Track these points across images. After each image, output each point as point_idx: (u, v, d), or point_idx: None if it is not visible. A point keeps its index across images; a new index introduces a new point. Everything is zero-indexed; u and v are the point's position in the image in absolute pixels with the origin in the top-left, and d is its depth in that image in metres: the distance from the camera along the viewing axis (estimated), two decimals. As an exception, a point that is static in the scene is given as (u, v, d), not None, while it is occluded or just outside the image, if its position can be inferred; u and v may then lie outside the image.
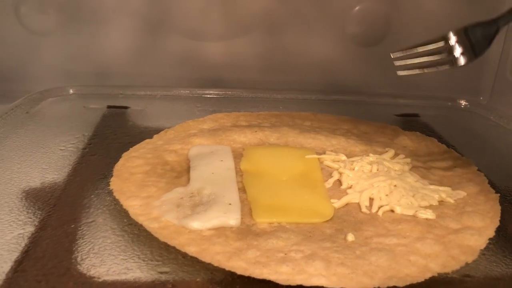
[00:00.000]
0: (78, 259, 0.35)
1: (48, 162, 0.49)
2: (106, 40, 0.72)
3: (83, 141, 0.54)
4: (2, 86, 0.70)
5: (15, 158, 0.50)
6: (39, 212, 0.40)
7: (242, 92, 0.73)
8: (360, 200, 0.43)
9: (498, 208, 0.42)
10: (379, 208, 0.42)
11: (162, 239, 0.36)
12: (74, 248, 0.36)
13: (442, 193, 0.44)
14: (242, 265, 0.33)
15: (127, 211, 0.39)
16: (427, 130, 0.61)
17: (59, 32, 0.71)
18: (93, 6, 0.70)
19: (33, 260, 0.34)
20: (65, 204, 0.42)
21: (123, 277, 0.33)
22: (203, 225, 0.38)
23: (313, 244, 0.36)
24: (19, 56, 0.72)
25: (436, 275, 0.33)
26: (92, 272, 0.33)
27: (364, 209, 0.42)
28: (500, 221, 0.40)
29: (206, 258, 0.34)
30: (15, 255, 0.35)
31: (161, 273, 0.34)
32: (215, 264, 0.33)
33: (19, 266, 0.34)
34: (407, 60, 0.44)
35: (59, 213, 0.40)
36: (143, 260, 0.35)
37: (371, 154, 0.49)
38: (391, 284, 0.32)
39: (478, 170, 0.49)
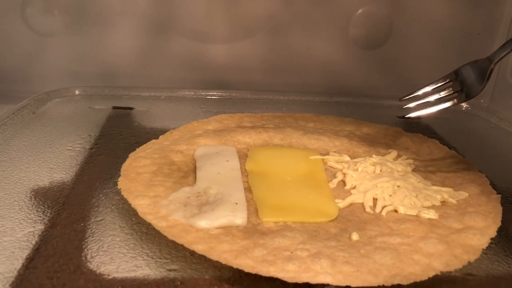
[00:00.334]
0: (88, 256, 0.35)
1: (56, 161, 0.50)
2: (111, 42, 0.73)
3: (90, 141, 0.55)
4: (9, 87, 0.71)
5: (23, 158, 0.50)
6: (49, 210, 0.41)
7: (245, 93, 0.73)
8: (364, 200, 0.43)
9: (499, 208, 0.43)
10: (382, 208, 0.42)
11: (170, 237, 0.36)
12: (83, 246, 0.36)
13: (444, 193, 0.45)
14: (249, 263, 0.34)
15: (136, 210, 0.39)
16: (428, 132, 0.61)
17: (65, 33, 0.72)
18: (99, 8, 0.71)
19: (44, 258, 0.35)
20: (73, 203, 0.42)
21: (132, 274, 0.34)
22: (211, 224, 0.38)
23: (318, 243, 0.37)
24: (25, 57, 0.73)
25: (439, 273, 0.34)
26: (102, 270, 0.34)
27: (368, 209, 0.42)
28: (502, 221, 0.41)
29: (213, 256, 0.34)
30: (26, 252, 0.35)
31: (170, 270, 0.34)
32: (223, 262, 0.34)
33: (30, 263, 0.34)
34: (414, 102, 0.48)
35: (68, 211, 0.41)
36: (152, 258, 0.36)
37: (374, 155, 0.50)
38: (395, 282, 0.33)
39: (480, 171, 0.50)
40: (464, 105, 0.74)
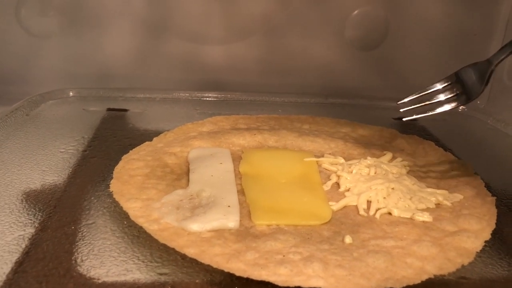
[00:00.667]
0: (78, 260, 0.35)
1: (48, 164, 0.50)
2: (106, 43, 0.73)
3: (83, 143, 0.55)
4: (3, 89, 0.71)
5: (15, 160, 0.50)
6: (40, 213, 0.41)
7: (241, 95, 0.73)
8: (358, 202, 0.43)
9: (494, 211, 0.43)
10: (376, 210, 0.42)
11: (161, 240, 0.36)
12: (74, 250, 0.36)
13: (439, 196, 0.45)
14: (241, 267, 0.34)
15: (127, 213, 0.39)
16: (424, 134, 0.61)
17: (60, 35, 0.72)
18: (94, 9, 0.71)
19: (33, 261, 0.35)
20: (65, 206, 0.42)
21: (122, 278, 0.33)
22: (203, 227, 0.38)
23: (311, 246, 0.36)
24: (20, 59, 0.72)
25: (433, 277, 0.34)
26: (92, 273, 0.34)
27: (362, 212, 0.42)
28: (496, 224, 0.41)
29: (205, 259, 0.34)
30: (15, 256, 0.35)
31: (161, 274, 0.34)
32: (214, 266, 0.34)
33: (20, 267, 0.34)
34: (411, 106, 0.47)
35: (59, 214, 0.41)
36: (143, 262, 0.35)
37: (369, 157, 0.50)
38: (388, 286, 0.32)
39: (475, 173, 0.50)
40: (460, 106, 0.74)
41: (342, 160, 0.50)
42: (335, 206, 0.43)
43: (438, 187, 0.47)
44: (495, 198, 0.44)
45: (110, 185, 0.43)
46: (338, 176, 0.47)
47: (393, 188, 0.44)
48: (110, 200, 0.43)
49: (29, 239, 0.37)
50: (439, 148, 0.55)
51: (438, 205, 0.44)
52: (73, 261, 0.35)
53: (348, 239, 0.37)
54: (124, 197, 0.42)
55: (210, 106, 0.69)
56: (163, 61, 0.74)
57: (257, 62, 0.75)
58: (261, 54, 0.75)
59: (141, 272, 0.34)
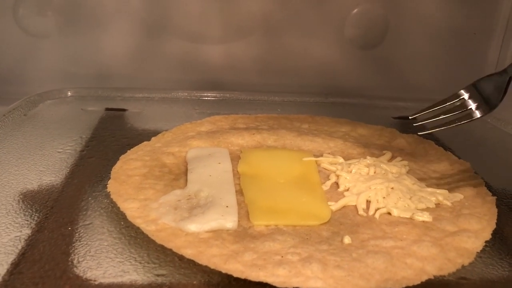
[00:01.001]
0: (75, 261, 0.35)
1: (46, 164, 0.49)
2: (105, 43, 0.73)
3: (81, 143, 0.54)
4: (0, 88, 0.70)
5: (13, 160, 0.50)
6: (36, 214, 0.40)
7: (240, 94, 0.73)
8: (357, 202, 0.43)
9: (494, 210, 0.42)
10: (376, 210, 0.42)
11: (158, 241, 0.36)
12: (71, 251, 0.36)
13: (439, 195, 0.44)
14: (238, 268, 0.33)
15: (124, 213, 0.39)
16: (424, 133, 0.61)
17: (58, 35, 0.72)
18: (92, 9, 0.71)
19: (29, 263, 0.34)
20: (62, 206, 0.42)
21: (119, 279, 0.33)
22: (200, 228, 0.38)
23: (310, 246, 0.36)
24: (17, 58, 0.72)
25: (433, 277, 0.34)
26: (89, 275, 0.33)
27: (361, 212, 0.42)
28: (497, 223, 0.40)
29: (202, 260, 0.34)
30: (11, 257, 0.35)
31: (158, 275, 0.34)
32: (212, 267, 0.33)
33: (16, 268, 0.34)
34: (426, 120, 0.45)
35: (56, 215, 0.40)
36: (140, 263, 0.35)
37: (368, 157, 0.50)
38: (388, 287, 0.32)
39: (475, 172, 0.49)
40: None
41: (341, 160, 0.50)
42: (334, 206, 0.42)
43: (438, 187, 0.46)
44: (495, 197, 0.44)
45: (107, 185, 0.43)
46: (337, 176, 0.47)
47: (392, 188, 0.44)
48: (108, 201, 0.42)
49: (26, 240, 0.37)
50: (439, 148, 0.55)
51: (438, 204, 0.43)
52: (70, 263, 0.35)
53: (347, 240, 0.37)
54: (122, 198, 0.41)
55: (209, 106, 0.69)
56: (161, 60, 0.74)
57: (256, 61, 0.75)
58: (260, 54, 0.75)
59: (138, 273, 0.34)
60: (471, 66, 0.73)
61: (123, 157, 0.49)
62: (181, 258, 0.35)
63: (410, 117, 0.47)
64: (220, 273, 0.33)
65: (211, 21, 0.72)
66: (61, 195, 0.44)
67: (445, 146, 0.56)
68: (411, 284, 0.33)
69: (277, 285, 0.32)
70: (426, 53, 0.74)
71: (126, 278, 0.33)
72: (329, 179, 0.47)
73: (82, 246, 0.36)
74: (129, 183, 0.44)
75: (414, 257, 0.35)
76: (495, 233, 0.39)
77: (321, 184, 0.46)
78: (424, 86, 0.72)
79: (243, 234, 0.38)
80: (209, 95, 0.72)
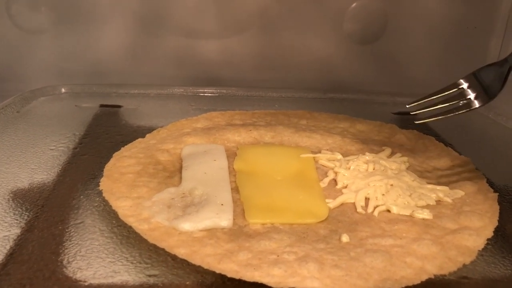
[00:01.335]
0: (64, 261, 0.34)
1: (38, 162, 0.48)
2: (99, 39, 0.72)
3: (74, 140, 0.53)
4: (-6, 85, 0.70)
5: (4, 158, 0.49)
6: (26, 213, 0.39)
7: (237, 90, 0.72)
8: (356, 200, 0.42)
9: (496, 207, 0.41)
10: (375, 208, 0.41)
11: (151, 241, 0.35)
12: (60, 251, 0.35)
13: (439, 192, 0.43)
14: (233, 268, 0.32)
15: (117, 212, 0.38)
16: (424, 129, 0.59)
17: (52, 31, 0.70)
18: (87, 4, 0.70)
19: (18, 263, 0.33)
20: (53, 205, 0.41)
21: (109, 280, 0.32)
22: (195, 226, 0.37)
23: (306, 245, 0.35)
24: (11, 55, 0.71)
25: (433, 277, 0.33)
26: (78, 276, 0.32)
27: (359, 209, 0.41)
28: (499, 221, 0.39)
29: (196, 260, 0.33)
30: (-1, 258, 0.34)
31: (150, 276, 0.33)
32: (205, 267, 0.32)
33: (3, 269, 0.33)
34: (424, 109, 0.44)
35: (47, 214, 0.39)
36: (132, 263, 0.34)
37: (367, 153, 0.49)
38: (386, 287, 0.31)
39: (477, 168, 0.48)
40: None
41: (339, 156, 0.49)
42: (332, 203, 0.41)
43: (438, 183, 0.45)
44: (497, 194, 0.43)
45: (100, 183, 0.42)
46: (336, 173, 0.46)
47: (392, 185, 0.43)
48: (100, 199, 0.41)
49: (14, 240, 0.36)
50: (439, 143, 0.54)
51: (438, 201, 0.42)
52: (59, 263, 0.34)
53: (345, 238, 0.36)
54: (114, 196, 0.40)
55: (205, 102, 0.68)
56: (157, 56, 0.72)
57: (253, 57, 0.74)
58: (257, 49, 0.74)
59: (130, 273, 0.33)
60: (472, 61, 0.71)
61: (116, 155, 0.48)
62: (174, 258, 0.34)
63: (408, 105, 0.46)
64: (214, 273, 0.32)
65: (207, 16, 0.71)
66: (52, 194, 0.43)
67: (446, 142, 0.55)
68: (410, 284, 0.32)
69: (272, 285, 0.31)
70: (426, 48, 0.73)
71: (117, 279, 0.32)
72: (327, 176, 0.46)
73: (72, 246, 0.35)
74: (122, 181, 0.43)
75: (414, 256, 0.34)
76: (497, 230, 0.38)
77: (319, 181, 0.45)
78: (424, 81, 0.71)
79: (238, 233, 0.37)
80: (206, 91, 0.71)
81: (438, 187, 0.44)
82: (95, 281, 0.32)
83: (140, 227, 0.36)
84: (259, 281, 0.31)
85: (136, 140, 0.52)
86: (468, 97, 0.43)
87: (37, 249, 0.35)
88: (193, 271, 0.33)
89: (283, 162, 0.48)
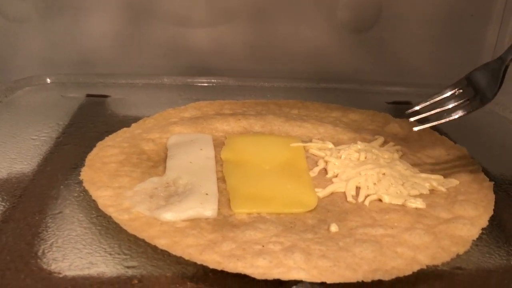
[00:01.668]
0: (39, 253, 0.32)
1: (18, 151, 0.47)
2: (87, 27, 0.69)
3: (58, 130, 0.52)
4: (-22, 75, 0.68)
5: (-17, 148, 0.47)
6: (3, 203, 0.38)
7: (228, 80, 0.70)
8: (346, 189, 0.40)
9: (492, 196, 0.40)
10: (366, 197, 0.39)
11: (130, 231, 0.33)
12: (36, 242, 0.33)
13: (433, 181, 0.42)
14: (215, 259, 0.31)
15: (96, 202, 0.36)
16: (419, 118, 0.58)
17: (38, 20, 0.68)
18: (73, -8, 0.68)
19: (-10, 255, 0.32)
20: (31, 195, 0.39)
21: (85, 272, 0.31)
22: (177, 216, 0.35)
23: (293, 235, 0.34)
24: (-4, 44, 0.69)
25: (425, 267, 0.31)
26: (53, 267, 0.31)
27: (350, 199, 0.39)
28: (494, 210, 0.38)
29: (177, 251, 0.31)
30: (-28, 249, 0.32)
31: (128, 267, 0.31)
32: (187, 258, 0.31)
33: (-25, 261, 0.31)
34: (423, 114, 0.43)
35: (24, 204, 0.38)
36: (110, 254, 0.32)
37: (359, 142, 0.47)
38: (376, 278, 0.30)
39: (472, 157, 0.47)
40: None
41: (330, 145, 0.47)
42: (322, 192, 0.40)
43: (432, 172, 0.44)
44: (493, 183, 0.42)
45: (81, 173, 0.40)
46: (326, 162, 0.45)
47: (384, 174, 0.42)
48: (80, 189, 0.40)
49: (-12, 231, 0.34)
50: (434, 132, 0.52)
51: (432, 191, 0.41)
52: (34, 254, 0.32)
53: (334, 228, 0.35)
54: (95, 186, 0.39)
55: (194, 92, 0.66)
56: (146, 45, 0.70)
57: (245, 46, 0.72)
58: (249, 38, 0.72)
59: (107, 265, 0.31)
60: (468, 49, 0.70)
61: (100, 144, 0.46)
62: (155, 249, 0.32)
63: (406, 112, 0.45)
64: (196, 264, 0.31)
65: (197, 4, 0.69)
66: (32, 184, 0.41)
67: (441, 131, 0.53)
68: (401, 275, 0.30)
69: (256, 276, 0.29)
70: (421, 36, 0.71)
71: (93, 271, 0.31)
72: (317, 166, 0.44)
73: (48, 237, 0.34)
74: (104, 171, 0.41)
75: (406, 245, 0.33)
76: (492, 220, 0.37)
77: (309, 171, 0.44)
78: (418, 70, 0.69)
79: (223, 223, 0.35)
80: (195, 81, 0.69)
81: (432, 176, 0.43)
82: (70, 273, 0.31)
83: (120, 217, 0.35)
84: (242, 272, 0.30)
85: (121, 130, 0.50)
86: (466, 99, 0.42)
87: (12, 240, 0.33)
88: (174, 263, 0.32)
89: (272, 152, 0.46)
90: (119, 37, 0.70)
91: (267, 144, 0.48)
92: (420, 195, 0.40)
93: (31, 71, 0.67)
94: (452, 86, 0.44)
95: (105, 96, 0.63)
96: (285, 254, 0.31)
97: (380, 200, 0.39)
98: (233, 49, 0.71)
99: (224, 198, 0.38)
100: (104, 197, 0.37)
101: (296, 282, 0.29)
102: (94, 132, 0.52)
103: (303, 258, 0.31)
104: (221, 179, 0.42)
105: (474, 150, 0.48)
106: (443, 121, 0.42)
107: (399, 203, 0.39)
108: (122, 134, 0.49)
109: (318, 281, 0.29)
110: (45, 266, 0.31)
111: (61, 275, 0.30)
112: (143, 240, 0.32)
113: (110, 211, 0.35)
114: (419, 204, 0.38)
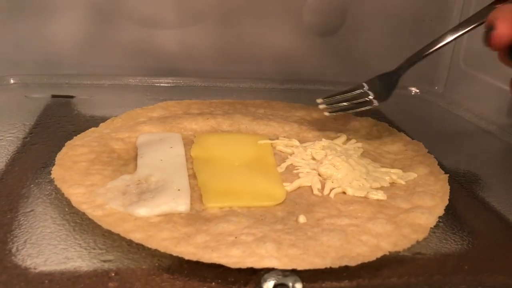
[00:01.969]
0: (13, 250, 0.32)
1: (-18, 152, 0.46)
2: (52, 28, 0.68)
3: (24, 130, 0.51)
4: None
5: None
6: (-29, 204, 0.37)
7: (194, 81, 0.71)
8: (312, 182, 0.42)
9: (447, 187, 0.43)
10: (331, 190, 0.41)
11: (105, 226, 0.34)
12: (9, 239, 0.33)
13: (393, 175, 0.44)
14: (190, 250, 0.32)
15: (69, 199, 0.37)
16: (378, 116, 0.61)
17: (1, 19, 0.67)
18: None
19: (-39, 255, 0.32)
20: (1, 194, 0.39)
21: (62, 267, 0.31)
22: (151, 212, 0.36)
23: (264, 226, 0.35)
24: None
25: (388, 253, 0.33)
26: (28, 263, 0.31)
27: (316, 192, 0.41)
28: (449, 200, 0.41)
29: (152, 244, 0.32)
30: None
31: (104, 261, 0.32)
32: (162, 250, 0.32)
33: None
34: (332, 105, 0.51)
35: (-7, 204, 0.38)
36: (85, 249, 0.33)
37: (323, 139, 0.49)
38: (343, 264, 0.31)
39: (428, 152, 0.50)
40: (413, 90, 0.75)
41: (296, 143, 0.49)
42: (289, 187, 0.41)
43: (392, 167, 0.46)
44: (447, 175, 0.44)
45: (51, 171, 0.41)
46: (293, 158, 0.46)
47: (347, 167, 0.43)
48: (51, 188, 0.40)
49: (-42, 231, 0.34)
50: (392, 129, 0.55)
51: (392, 183, 0.43)
52: (7, 251, 0.32)
53: (302, 219, 0.36)
54: (66, 184, 0.39)
55: (161, 92, 0.67)
56: (113, 46, 0.70)
57: (213, 48, 0.72)
58: (216, 40, 0.73)
59: (83, 259, 0.32)
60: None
61: (68, 143, 0.46)
62: (130, 243, 0.33)
63: (317, 100, 0.52)
64: (171, 256, 0.32)
65: (164, 6, 0.70)
66: (0, 183, 0.41)
67: (399, 128, 0.56)
68: (366, 261, 0.32)
69: (230, 265, 0.31)
70: (384, 40, 0.74)
71: (69, 265, 0.31)
72: (285, 162, 0.46)
73: (22, 234, 0.34)
74: (75, 169, 0.41)
75: (369, 234, 0.35)
76: (448, 209, 0.39)
77: (276, 166, 0.45)
78: (381, 72, 0.72)
79: (196, 217, 0.36)
80: (162, 82, 0.70)
81: (392, 170, 0.45)
82: (46, 268, 0.31)
83: (94, 213, 0.35)
84: (217, 262, 0.31)
85: (89, 130, 0.50)
86: (367, 97, 0.49)
87: (-17, 239, 0.33)
88: (149, 255, 0.33)
89: (240, 149, 0.48)
90: (84, 37, 0.69)
91: (236, 141, 0.49)
92: (381, 188, 0.42)
93: (-6, 71, 0.66)
94: (359, 86, 0.51)
95: (71, 97, 0.63)
96: (258, 244, 0.33)
97: (344, 192, 0.41)
98: (201, 51, 0.72)
99: (196, 193, 0.40)
100: (76, 195, 0.38)
101: (268, 270, 0.31)
102: (62, 132, 0.52)
103: (275, 248, 0.32)
104: (192, 176, 0.43)
105: (431, 146, 0.51)
106: (344, 112, 0.50)
107: (362, 195, 0.41)
108: (91, 134, 0.49)
109: (289, 268, 0.31)
110: (20, 263, 0.31)
111: (37, 271, 0.31)
112: (118, 235, 0.33)
113: (84, 208, 0.36)
114: (380, 196, 0.40)
